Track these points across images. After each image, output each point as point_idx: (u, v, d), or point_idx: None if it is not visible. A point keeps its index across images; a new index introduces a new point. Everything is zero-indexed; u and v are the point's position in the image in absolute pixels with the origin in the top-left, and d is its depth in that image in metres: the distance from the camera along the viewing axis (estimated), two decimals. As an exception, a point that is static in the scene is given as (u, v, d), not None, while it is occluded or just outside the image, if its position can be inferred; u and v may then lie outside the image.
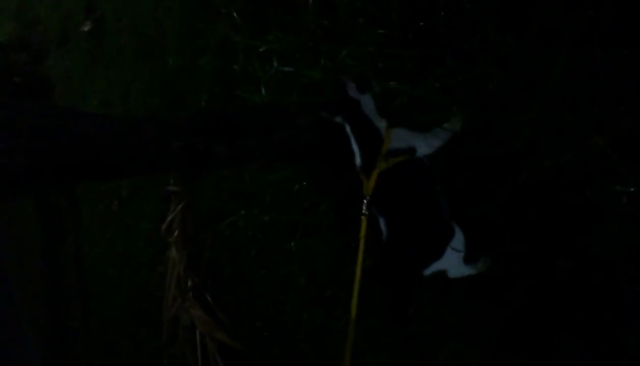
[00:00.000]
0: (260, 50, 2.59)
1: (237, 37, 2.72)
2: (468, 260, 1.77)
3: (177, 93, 3.42)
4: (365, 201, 1.74)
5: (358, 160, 1.82)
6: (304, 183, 2.43)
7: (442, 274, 1.82)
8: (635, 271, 1.50)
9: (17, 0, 6.59)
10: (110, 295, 5.27)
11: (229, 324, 3.25)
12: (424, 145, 1.79)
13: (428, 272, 1.78)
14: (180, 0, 3.41)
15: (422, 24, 1.92)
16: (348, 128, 1.83)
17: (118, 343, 5.08)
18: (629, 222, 1.49)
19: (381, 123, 1.82)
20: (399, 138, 1.78)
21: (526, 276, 1.71)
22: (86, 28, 4.77)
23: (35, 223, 6.77)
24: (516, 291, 1.75)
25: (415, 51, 1.91)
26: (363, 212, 1.74)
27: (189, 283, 3.49)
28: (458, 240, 1.74)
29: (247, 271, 3.05)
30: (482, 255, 1.80)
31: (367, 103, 1.84)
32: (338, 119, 1.85)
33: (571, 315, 1.67)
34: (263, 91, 2.53)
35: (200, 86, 3.11)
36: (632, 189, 1.46)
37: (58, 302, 6.60)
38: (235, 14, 2.77)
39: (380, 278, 2.20)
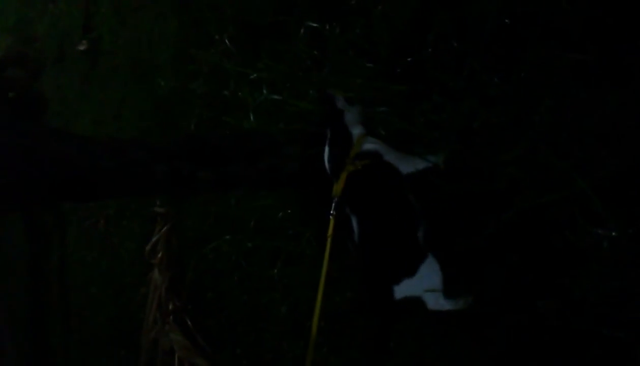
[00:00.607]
0: (251, 77, 2.61)
1: (229, 64, 2.74)
2: (448, 294, 1.75)
3: (168, 116, 3.44)
4: (334, 202, 1.77)
5: (327, 163, 1.87)
6: (289, 211, 2.43)
7: (421, 306, 1.79)
8: (615, 315, 1.50)
9: (15, 16, 6.63)
10: (91, 314, 5.20)
11: (209, 350, 3.20)
12: (392, 155, 1.82)
13: (401, 292, 1.69)
14: (175, 25, 3.45)
15: (409, 59, 1.95)
16: (328, 136, 1.90)
17: (97, 362, 5.00)
18: (610, 266, 1.49)
19: (356, 130, 1.86)
20: (368, 143, 1.83)
21: (508, 314, 1.71)
22: (82, 47, 4.80)
23: (21, 237, 6.71)
24: (498, 329, 1.74)
25: (403, 86, 1.93)
26: (331, 212, 1.76)
27: (170, 306, 3.45)
28: (432, 267, 1.67)
29: (229, 296, 3.02)
30: (463, 292, 1.78)
31: (353, 113, 1.90)
32: (326, 131, 1.91)
33: (554, 356, 1.66)
34: (251, 117, 2.54)
35: (191, 110, 3.12)
36: (613, 233, 1.46)
37: (39, 318, 6.51)
38: (227, 41, 2.80)
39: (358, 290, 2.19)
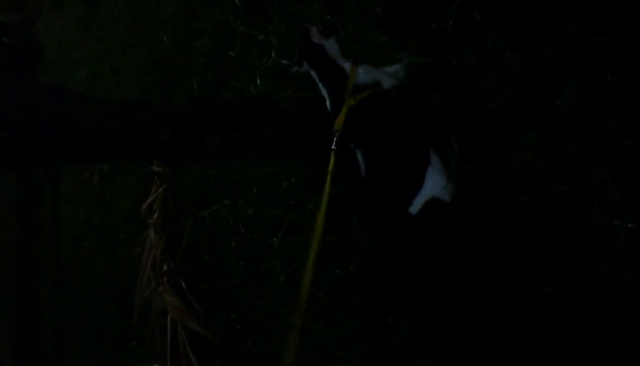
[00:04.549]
0: (259, 39, 2.52)
1: (236, 23, 2.64)
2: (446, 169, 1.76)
3: (170, 73, 3.34)
4: (335, 136, 1.74)
5: (328, 103, 1.84)
6: (293, 180, 2.37)
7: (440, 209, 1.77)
8: (624, 308, 1.48)
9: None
10: (83, 269, 5.19)
11: (203, 313, 3.19)
12: (388, 79, 1.82)
13: (417, 206, 1.72)
14: (181, -22, 3.32)
15: (432, 26, 1.87)
16: (314, 74, 1.86)
17: (87, 317, 5.01)
18: (624, 258, 1.46)
19: (346, 63, 1.82)
20: (363, 74, 1.79)
21: (513, 299, 1.68)
22: (81, -5, 4.65)
23: (12, 185, 6.64)
24: (501, 313, 1.72)
25: (421, 58, 1.86)
26: (332, 147, 1.73)
27: (165, 268, 3.43)
28: (435, 163, 1.73)
29: (225, 261, 2.99)
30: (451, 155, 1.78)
31: (331, 47, 1.84)
32: (305, 67, 1.87)
33: (556, 344, 1.64)
34: (258, 81, 2.46)
35: (194, 68, 3.03)
36: (630, 225, 1.43)
37: (29, 269, 6.50)
38: (236, -1, 2.69)
39: (367, 222, 2.17)
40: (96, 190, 4.75)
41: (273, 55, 2.42)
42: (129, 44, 4.03)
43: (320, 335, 2.32)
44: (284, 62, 2.33)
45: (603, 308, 1.52)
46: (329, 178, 1.71)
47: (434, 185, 1.71)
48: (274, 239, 2.56)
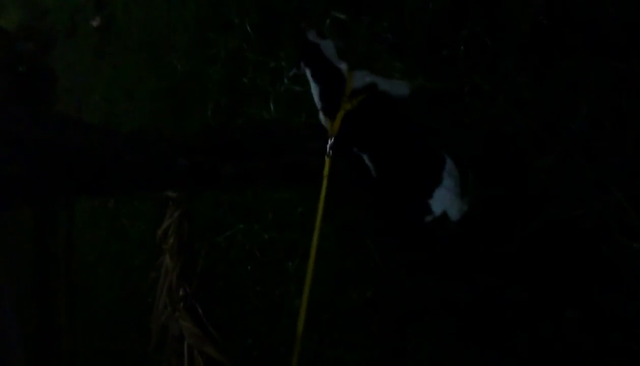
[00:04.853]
0: (271, 65, 2.54)
1: (249, 50, 2.67)
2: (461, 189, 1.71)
3: (183, 100, 3.37)
4: (330, 142, 1.73)
5: (318, 103, 1.83)
6: (307, 205, 2.38)
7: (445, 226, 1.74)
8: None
9: (27, -11, 6.54)
10: (99, 295, 5.19)
11: (219, 339, 3.18)
12: (385, 83, 1.81)
13: (437, 206, 1.67)
14: (193, 6, 3.36)
15: (443, 52, 1.88)
16: (309, 74, 1.86)
17: (103, 344, 5.00)
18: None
19: (342, 65, 1.82)
20: (360, 77, 1.79)
21: (532, 324, 1.66)
22: (95, 23, 4.71)
23: (27, 211, 6.68)
24: (521, 338, 1.70)
25: (434, 84, 1.86)
26: (327, 152, 1.73)
27: (181, 293, 3.43)
28: (450, 166, 1.68)
29: (241, 286, 2.99)
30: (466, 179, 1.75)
31: (327, 47, 1.85)
32: (302, 66, 1.88)
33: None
34: (272, 107, 2.48)
35: (207, 95, 3.06)
36: (649, 249, 1.41)
37: (45, 295, 6.51)
38: (248, 27, 2.72)
39: (383, 227, 2.15)
40: (112, 216, 4.77)
41: (285, 81, 2.44)
42: (143, 71, 4.07)
43: (340, 360, 2.31)
44: (297, 88, 2.34)
45: (624, 332, 1.50)
46: (324, 183, 1.71)
47: (448, 189, 1.66)
48: (290, 264, 2.55)
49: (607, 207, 1.52)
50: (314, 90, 1.88)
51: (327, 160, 1.73)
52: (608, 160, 1.54)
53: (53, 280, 6.25)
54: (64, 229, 6.00)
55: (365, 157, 1.77)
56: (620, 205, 1.48)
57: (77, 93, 5.19)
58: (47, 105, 5.59)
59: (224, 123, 2.80)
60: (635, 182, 1.49)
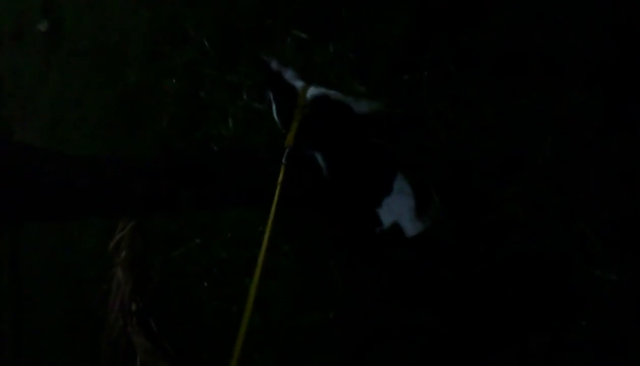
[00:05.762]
0: (229, 80, 2.52)
1: (205, 65, 2.63)
2: (420, 210, 1.73)
3: (136, 112, 3.29)
4: (286, 151, 1.76)
5: (277, 119, 1.93)
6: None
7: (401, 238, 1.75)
8: (612, 362, 1.49)
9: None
10: (46, 305, 5.01)
11: (174, 354, 3.12)
12: (339, 95, 1.85)
13: (386, 217, 1.72)
14: (148, 16, 3.28)
15: (405, 77, 1.89)
16: (271, 96, 1.95)
17: (52, 358, 4.83)
18: (609, 310, 1.48)
19: (298, 83, 1.88)
20: (313, 90, 1.84)
21: (495, 350, 1.69)
22: (43, 28, 4.55)
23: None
24: (483, 364, 1.72)
25: (397, 110, 1.88)
26: (282, 161, 1.74)
27: (134, 307, 3.34)
28: (401, 180, 1.72)
29: (198, 301, 2.94)
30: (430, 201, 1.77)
31: (290, 71, 1.93)
32: (267, 93, 1.98)
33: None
34: (230, 123, 2.45)
35: (163, 107, 2.99)
36: (613, 277, 1.45)
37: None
38: (205, 40, 2.67)
39: (332, 221, 2.17)
40: (61, 225, 4.61)
41: (245, 96, 2.41)
42: (92, 79, 3.96)
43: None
44: (257, 105, 2.32)
45: (586, 361, 1.54)
46: (277, 190, 1.71)
47: (401, 203, 1.69)
48: (248, 280, 2.52)
49: (571, 237, 1.54)
50: (274, 109, 1.93)
51: (282, 168, 1.73)
52: (573, 190, 1.57)
53: (-3, 288, 6.01)
54: (8, 235, 5.78)
55: (318, 157, 1.78)
56: (584, 235, 1.51)
57: (22, 99, 5.01)
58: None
59: (182, 141, 2.75)
60: (599, 212, 1.53)
